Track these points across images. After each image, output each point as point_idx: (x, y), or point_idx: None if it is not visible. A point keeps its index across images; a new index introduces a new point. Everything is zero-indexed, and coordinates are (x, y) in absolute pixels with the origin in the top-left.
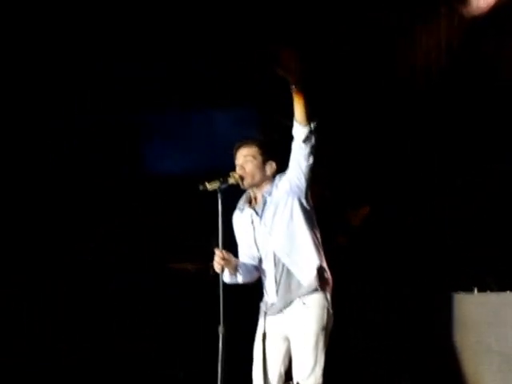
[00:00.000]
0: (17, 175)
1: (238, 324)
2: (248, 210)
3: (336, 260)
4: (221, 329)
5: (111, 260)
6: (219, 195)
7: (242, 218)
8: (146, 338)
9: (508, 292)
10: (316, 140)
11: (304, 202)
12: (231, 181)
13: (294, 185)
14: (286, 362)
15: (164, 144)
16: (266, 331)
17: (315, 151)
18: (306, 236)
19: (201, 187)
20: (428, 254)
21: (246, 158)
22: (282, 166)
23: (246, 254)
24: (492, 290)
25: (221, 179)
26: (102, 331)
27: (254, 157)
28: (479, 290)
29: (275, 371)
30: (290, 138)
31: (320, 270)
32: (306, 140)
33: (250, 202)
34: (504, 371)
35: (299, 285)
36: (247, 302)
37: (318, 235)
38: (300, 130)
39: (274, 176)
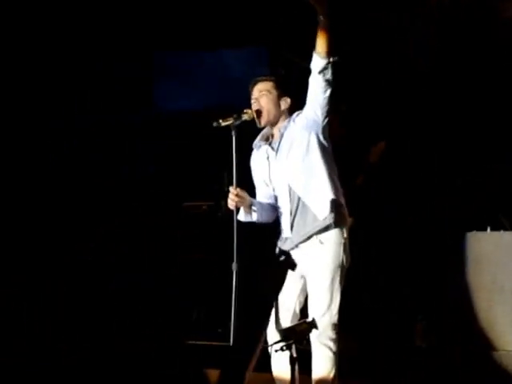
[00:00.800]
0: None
1: (253, 261)
2: (264, 147)
3: (354, 200)
4: (234, 265)
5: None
6: (233, 132)
7: (258, 156)
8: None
9: None
10: (333, 75)
11: (321, 137)
12: (245, 117)
13: (311, 119)
14: (302, 300)
15: (177, 83)
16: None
17: (333, 86)
18: (322, 170)
19: (214, 124)
20: (443, 193)
21: (261, 93)
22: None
23: (262, 194)
24: (506, 229)
25: (235, 116)
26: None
27: (269, 91)
28: (492, 229)
29: (290, 308)
30: (301, 76)
31: (336, 205)
32: (322, 71)
33: (266, 139)
34: None
35: (314, 218)
36: (262, 240)
37: (336, 170)
38: (318, 60)
39: (289, 112)
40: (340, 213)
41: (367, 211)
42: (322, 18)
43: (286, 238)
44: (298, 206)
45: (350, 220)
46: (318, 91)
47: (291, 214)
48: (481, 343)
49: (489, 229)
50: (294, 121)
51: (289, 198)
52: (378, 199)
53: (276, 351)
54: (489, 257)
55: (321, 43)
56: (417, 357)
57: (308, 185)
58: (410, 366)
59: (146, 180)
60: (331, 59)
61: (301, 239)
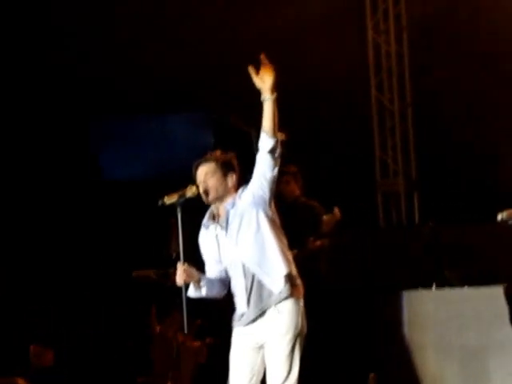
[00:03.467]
0: None
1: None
2: (212, 226)
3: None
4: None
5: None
6: (178, 209)
7: (207, 236)
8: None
9: (466, 287)
10: (282, 152)
11: (268, 211)
12: (189, 194)
13: (258, 196)
14: (262, 371)
15: (119, 151)
16: (240, 344)
17: (280, 164)
18: (274, 245)
19: (159, 202)
20: (381, 255)
21: (206, 176)
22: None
23: (212, 270)
24: (451, 285)
25: (179, 193)
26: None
27: (214, 172)
28: (438, 287)
29: (251, 382)
30: (244, 141)
31: (290, 278)
32: (271, 151)
33: (213, 218)
34: (466, 365)
35: (270, 293)
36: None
37: (285, 241)
38: (267, 140)
39: (236, 188)
40: (294, 284)
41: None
42: (267, 96)
43: (242, 314)
44: (252, 282)
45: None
46: (265, 169)
47: (246, 290)
48: None
49: (434, 286)
50: (240, 197)
51: (243, 275)
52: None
53: None
54: (435, 314)
55: (268, 123)
56: None
57: (261, 262)
58: None
59: (95, 246)
60: (279, 137)
61: (258, 313)
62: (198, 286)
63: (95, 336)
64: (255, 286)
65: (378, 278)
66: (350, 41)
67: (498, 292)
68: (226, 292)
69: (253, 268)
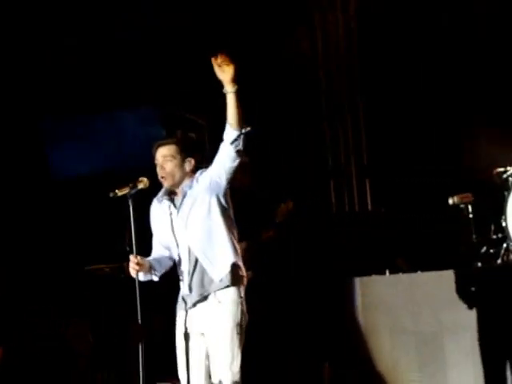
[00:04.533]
0: None
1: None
2: (166, 202)
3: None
4: (141, 332)
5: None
6: (130, 201)
7: (159, 210)
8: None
9: (419, 272)
10: (244, 144)
11: (222, 199)
12: (141, 185)
13: (214, 182)
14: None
15: (70, 147)
16: (185, 327)
17: (242, 155)
18: (222, 233)
19: (111, 194)
20: (339, 241)
21: (165, 159)
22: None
23: (161, 244)
24: (403, 272)
25: (130, 185)
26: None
27: (173, 156)
28: (391, 272)
29: (201, 367)
30: (196, 132)
31: (234, 267)
32: (234, 142)
33: (169, 195)
34: (421, 351)
35: (211, 280)
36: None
37: (235, 232)
38: (230, 131)
39: (193, 171)
40: (237, 274)
41: (269, 265)
42: (228, 89)
43: (186, 296)
44: (195, 267)
45: (248, 274)
46: (226, 159)
47: (189, 273)
48: None
49: (387, 272)
50: (197, 180)
51: (188, 258)
52: (281, 254)
53: None
54: (388, 300)
55: (231, 115)
56: None
57: (207, 248)
58: None
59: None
60: (243, 130)
61: (198, 298)
62: (149, 273)
63: (45, 334)
64: (197, 270)
65: (330, 265)
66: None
67: (449, 276)
68: (172, 265)
69: (197, 253)
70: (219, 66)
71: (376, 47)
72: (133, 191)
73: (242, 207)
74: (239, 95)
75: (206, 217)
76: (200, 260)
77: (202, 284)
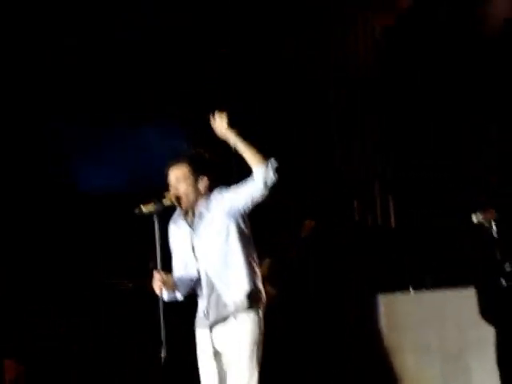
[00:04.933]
0: None
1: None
2: (183, 223)
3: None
4: (163, 351)
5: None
6: (155, 217)
7: (177, 230)
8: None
9: (443, 290)
10: (274, 177)
11: (242, 224)
12: (166, 202)
13: (236, 209)
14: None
15: (94, 164)
16: (204, 347)
17: (270, 188)
18: (240, 258)
19: (136, 211)
20: (363, 257)
21: (178, 180)
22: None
23: (181, 265)
24: (428, 289)
25: (156, 201)
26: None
27: (186, 177)
28: (415, 289)
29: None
30: (221, 147)
31: (251, 292)
32: (261, 179)
33: (185, 214)
34: (445, 368)
35: (227, 305)
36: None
37: (255, 254)
38: (255, 171)
39: (208, 189)
40: (254, 298)
41: (293, 283)
42: (230, 140)
43: (204, 316)
44: (212, 289)
45: (272, 291)
46: (254, 192)
47: (206, 295)
48: None
49: (411, 289)
50: (216, 200)
51: (206, 281)
52: (304, 272)
53: None
54: (412, 317)
55: (247, 160)
56: None
57: (222, 273)
58: None
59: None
60: (268, 166)
61: (215, 321)
62: (172, 292)
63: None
64: (214, 294)
65: (354, 282)
66: None
67: (474, 294)
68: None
69: (213, 278)
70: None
71: (397, 59)
72: (158, 208)
73: (266, 224)
74: (243, 138)
75: (223, 242)
76: (216, 286)
77: (217, 307)
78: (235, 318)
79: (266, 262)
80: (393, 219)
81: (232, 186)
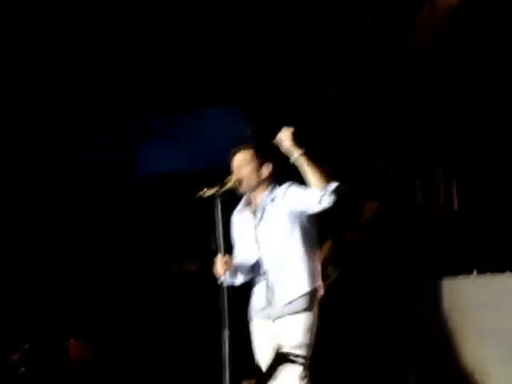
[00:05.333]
0: None
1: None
2: (247, 213)
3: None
4: (226, 332)
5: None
6: (217, 201)
7: (241, 220)
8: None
9: (507, 272)
10: (334, 198)
11: (306, 223)
12: (229, 185)
13: (300, 212)
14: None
15: (157, 146)
16: (259, 337)
17: (331, 204)
18: (300, 258)
19: (198, 194)
20: (425, 241)
21: (241, 164)
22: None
23: (243, 255)
24: (491, 272)
25: (218, 184)
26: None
27: (250, 161)
28: (478, 273)
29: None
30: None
31: (308, 294)
32: (321, 201)
33: (249, 204)
34: (505, 354)
35: (282, 302)
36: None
37: (316, 252)
38: (315, 192)
39: (272, 177)
40: (311, 299)
41: (354, 264)
42: (293, 158)
43: (261, 308)
44: (269, 285)
45: (334, 273)
46: (315, 206)
47: (265, 289)
48: None
49: (475, 272)
50: (283, 196)
51: (263, 276)
52: (365, 254)
53: None
54: (476, 301)
55: (308, 179)
56: None
57: (280, 271)
58: None
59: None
60: (329, 189)
61: (269, 315)
62: (234, 275)
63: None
64: (270, 289)
65: (416, 266)
66: None
67: None
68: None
69: (271, 273)
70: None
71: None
72: (220, 191)
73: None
74: (308, 156)
75: (285, 240)
76: (273, 282)
77: (272, 303)
78: (289, 320)
79: (328, 243)
80: (455, 201)
81: (301, 186)
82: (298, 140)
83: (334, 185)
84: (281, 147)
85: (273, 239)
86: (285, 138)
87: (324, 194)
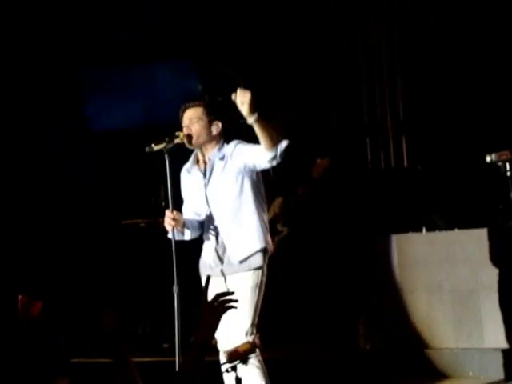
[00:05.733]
0: None
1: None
2: (196, 171)
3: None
4: (175, 288)
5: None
6: (166, 155)
7: (190, 178)
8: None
9: (456, 230)
10: (282, 155)
11: (255, 179)
12: (177, 140)
13: (249, 168)
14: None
15: (106, 99)
16: (211, 294)
17: (280, 160)
18: (252, 215)
19: (147, 149)
20: (374, 198)
21: (192, 120)
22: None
23: (192, 211)
24: (440, 229)
25: (167, 139)
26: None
27: (200, 118)
28: (428, 230)
29: (223, 333)
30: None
31: (259, 251)
32: (271, 160)
33: (197, 162)
34: (457, 309)
35: (234, 260)
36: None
37: (265, 207)
38: (265, 153)
39: (221, 135)
40: (262, 257)
41: (304, 220)
42: (249, 121)
43: (210, 265)
44: (220, 243)
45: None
46: (264, 163)
47: (215, 248)
48: (421, 342)
49: (424, 229)
50: (231, 155)
51: (214, 233)
52: (315, 211)
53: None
54: (425, 257)
55: (262, 141)
56: (361, 358)
57: (232, 228)
58: (355, 367)
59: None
60: (278, 150)
61: (218, 271)
62: (182, 231)
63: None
64: (221, 246)
65: (366, 222)
66: None
67: (487, 234)
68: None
69: (222, 230)
70: (237, 101)
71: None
72: (169, 146)
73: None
74: (263, 120)
75: (236, 197)
76: (224, 239)
77: (222, 259)
78: (242, 272)
79: (278, 200)
80: (405, 159)
81: (249, 144)
82: (254, 103)
83: (284, 143)
84: (239, 108)
85: (223, 196)
86: (243, 100)
87: (274, 151)
